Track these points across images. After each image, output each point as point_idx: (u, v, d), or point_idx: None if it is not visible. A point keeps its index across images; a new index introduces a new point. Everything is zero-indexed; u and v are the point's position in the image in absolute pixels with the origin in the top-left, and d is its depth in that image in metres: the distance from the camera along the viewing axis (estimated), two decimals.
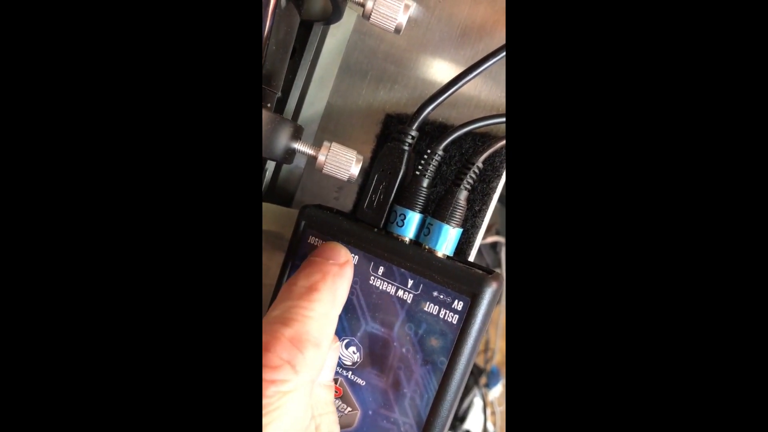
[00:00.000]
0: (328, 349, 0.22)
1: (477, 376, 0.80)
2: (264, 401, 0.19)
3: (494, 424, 0.93)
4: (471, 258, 0.28)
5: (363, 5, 0.25)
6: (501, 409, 0.98)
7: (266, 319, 0.22)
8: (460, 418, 0.83)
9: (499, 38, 0.28)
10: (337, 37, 0.31)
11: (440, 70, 0.29)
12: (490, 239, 0.57)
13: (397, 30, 0.26)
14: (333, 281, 0.23)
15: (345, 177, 0.26)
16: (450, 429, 0.82)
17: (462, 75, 0.26)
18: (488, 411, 0.89)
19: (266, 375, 0.20)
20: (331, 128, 0.31)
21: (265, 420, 0.19)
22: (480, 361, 0.91)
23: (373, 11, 0.25)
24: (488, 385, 0.90)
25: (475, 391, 0.81)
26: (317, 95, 0.31)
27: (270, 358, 0.20)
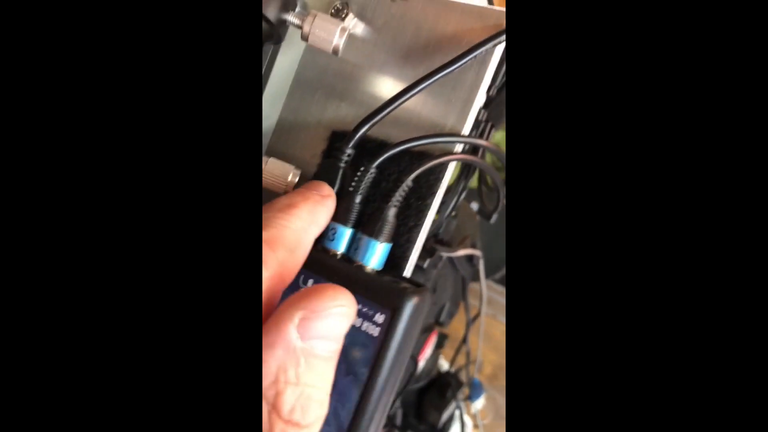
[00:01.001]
0: (301, 261, 0.23)
1: (456, 390, 0.81)
2: None
3: None
4: (408, 272, 0.29)
5: (301, 27, 0.26)
6: (485, 422, 0.97)
7: None
8: (440, 431, 0.83)
9: (440, 59, 0.29)
10: (289, 55, 0.32)
11: (385, 89, 0.30)
12: (464, 252, 0.57)
13: (335, 51, 0.27)
14: (313, 205, 0.24)
15: (281, 191, 0.27)
16: None
17: (398, 95, 0.27)
18: (471, 423, 0.88)
19: None
20: (281, 144, 0.32)
21: None
22: (463, 376, 0.91)
23: (310, 34, 0.26)
24: (470, 398, 0.90)
25: (454, 404, 0.81)
26: (268, 111, 0.32)
27: None
